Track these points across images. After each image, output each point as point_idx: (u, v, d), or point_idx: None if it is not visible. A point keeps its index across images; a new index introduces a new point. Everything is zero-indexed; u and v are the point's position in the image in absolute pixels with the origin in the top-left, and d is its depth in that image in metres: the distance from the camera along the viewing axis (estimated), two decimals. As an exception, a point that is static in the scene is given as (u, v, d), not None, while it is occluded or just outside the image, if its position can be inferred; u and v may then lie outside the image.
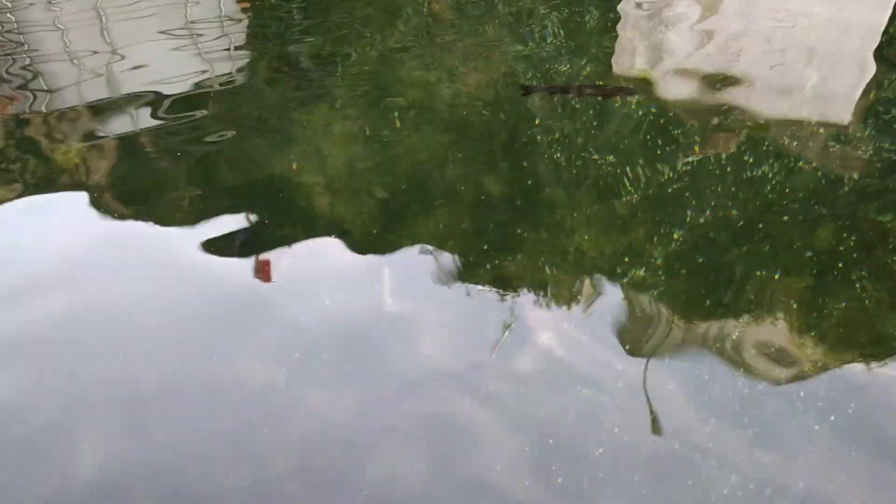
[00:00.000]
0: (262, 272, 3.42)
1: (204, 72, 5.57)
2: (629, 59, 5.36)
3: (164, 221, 3.83)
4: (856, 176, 3.80)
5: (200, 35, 6.42)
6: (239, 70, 5.64)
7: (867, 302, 3.06)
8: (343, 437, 2.60)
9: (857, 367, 2.83)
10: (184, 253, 3.57)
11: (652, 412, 2.66)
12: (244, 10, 7.23)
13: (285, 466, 2.51)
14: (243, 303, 3.22)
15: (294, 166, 4.19)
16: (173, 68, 5.68)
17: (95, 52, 6.23)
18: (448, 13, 6.60)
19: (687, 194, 3.70)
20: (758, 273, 3.20)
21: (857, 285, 3.13)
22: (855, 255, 3.27)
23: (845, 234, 3.39)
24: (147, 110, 5.00)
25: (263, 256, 3.50)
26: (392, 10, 6.65)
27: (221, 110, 4.95)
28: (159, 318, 3.15)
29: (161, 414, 2.72)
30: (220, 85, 5.34)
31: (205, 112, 4.93)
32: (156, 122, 4.80)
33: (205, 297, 3.26)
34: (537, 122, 4.43)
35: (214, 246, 3.60)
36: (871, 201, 3.63)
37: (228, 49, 6.12)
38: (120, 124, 4.87)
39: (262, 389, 2.79)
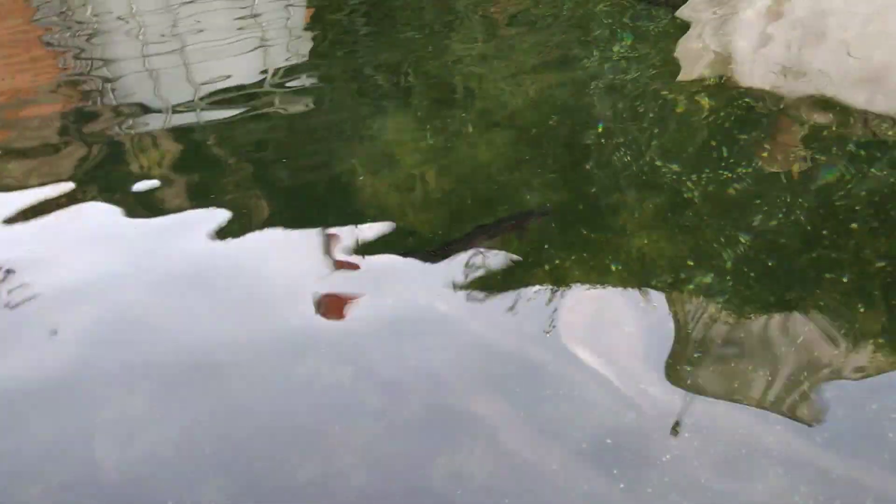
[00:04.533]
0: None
1: (267, 76, 5.76)
2: (695, 61, 5.29)
3: (237, 222, 4.00)
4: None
5: (270, 45, 6.64)
6: (306, 76, 5.82)
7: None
8: (408, 431, 2.68)
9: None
10: (249, 252, 3.73)
11: (718, 416, 2.65)
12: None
13: (352, 459, 2.60)
14: (311, 302, 3.35)
15: (359, 170, 4.31)
16: (243, 75, 5.91)
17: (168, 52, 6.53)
18: (510, 21, 6.64)
19: (755, 198, 3.64)
20: (826, 282, 3.14)
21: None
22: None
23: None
24: (216, 114, 5.23)
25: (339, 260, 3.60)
26: (453, 18, 6.73)
27: (287, 116, 5.12)
28: (231, 318, 3.31)
29: (235, 409, 2.85)
30: (286, 90, 5.52)
31: (271, 118, 5.11)
32: (224, 126, 5.01)
33: (274, 296, 3.40)
34: (600, 127, 4.43)
35: (280, 245, 3.76)
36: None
37: (296, 54, 6.31)
38: (189, 126, 5.11)
39: (331, 387, 2.89)
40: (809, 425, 2.58)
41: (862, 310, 2.98)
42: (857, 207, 3.51)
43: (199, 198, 4.28)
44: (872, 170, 3.79)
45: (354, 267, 3.53)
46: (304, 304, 3.32)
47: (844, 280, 3.11)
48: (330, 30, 7.09)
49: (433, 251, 3.53)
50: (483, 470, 2.53)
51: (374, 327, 3.17)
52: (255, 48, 6.56)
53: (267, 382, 2.95)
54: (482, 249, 3.50)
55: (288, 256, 3.70)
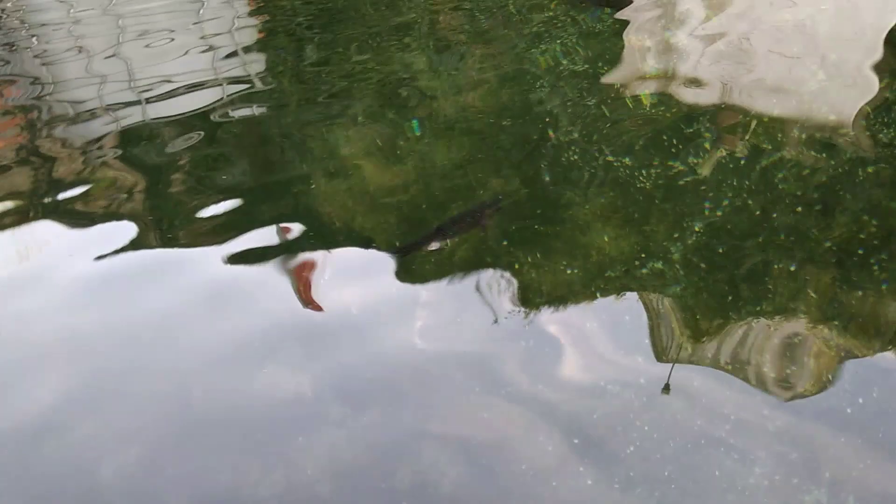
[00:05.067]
0: (304, 286, 3.48)
1: (218, 89, 5.67)
2: (639, 60, 5.38)
3: (189, 241, 3.92)
4: (870, 167, 3.79)
5: (215, 52, 6.53)
6: (253, 87, 5.73)
7: (888, 285, 3.06)
8: (373, 441, 2.66)
9: (881, 353, 2.83)
10: (209, 270, 3.66)
11: (677, 408, 2.68)
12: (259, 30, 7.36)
13: (315, 471, 2.56)
14: (270, 316, 3.29)
15: (312, 178, 4.26)
16: (189, 89, 5.79)
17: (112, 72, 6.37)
18: (458, 23, 6.66)
19: (703, 190, 3.71)
20: (776, 266, 3.21)
21: (877, 269, 3.13)
22: (876, 243, 3.26)
23: (863, 222, 3.39)
24: (165, 130, 5.12)
25: (303, 271, 3.56)
26: (402, 24, 6.73)
27: (238, 128, 5.04)
28: (191, 334, 3.24)
29: (192, 428, 2.79)
30: (237, 102, 5.43)
31: (221, 131, 5.03)
32: (174, 143, 4.91)
33: (229, 312, 3.34)
34: (553, 124, 4.47)
35: (238, 262, 3.69)
36: (885, 188, 3.62)
37: (244, 68, 6.23)
38: (139, 143, 4.99)
39: (291, 399, 2.85)
40: (763, 412, 2.63)
41: (813, 294, 3.06)
42: (799, 192, 3.61)
43: (143, 211, 4.18)
44: (811, 153, 3.90)
45: (308, 282, 3.49)
46: (263, 315, 3.28)
47: (792, 269, 3.19)
48: (279, 35, 7.01)
49: (393, 253, 3.52)
50: (446, 474, 2.51)
51: (335, 334, 3.13)
52: (204, 53, 6.45)
53: (227, 395, 2.90)
54: (439, 250, 3.50)
55: (243, 268, 3.64)
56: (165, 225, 4.07)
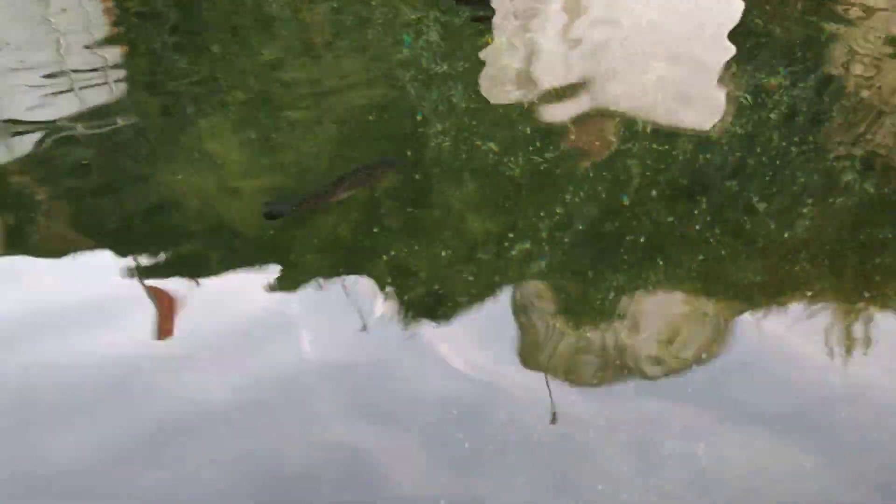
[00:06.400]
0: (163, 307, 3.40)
1: (77, 101, 5.41)
2: (503, 60, 5.61)
3: (53, 253, 3.78)
4: (709, 155, 4.16)
5: (71, 64, 6.20)
6: (116, 95, 5.50)
7: (722, 252, 3.45)
8: (226, 421, 2.74)
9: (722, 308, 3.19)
10: (75, 283, 3.56)
11: (543, 376, 2.91)
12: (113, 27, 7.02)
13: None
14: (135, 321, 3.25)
15: (182, 181, 4.18)
16: (40, 98, 5.48)
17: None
18: (323, 21, 6.66)
19: (564, 178, 3.96)
20: (629, 240, 3.52)
21: (711, 240, 3.51)
22: (709, 219, 3.64)
23: (697, 201, 3.75)
24: (23, 141, 4.84)
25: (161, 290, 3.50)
26: (265, 21, 6.65)
27: (102, 139, 4.82)
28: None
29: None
30: (98, 113, 5.20)
31: (86, 144, 4.80)
32: (34, 155, 4.65)
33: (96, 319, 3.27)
34: (421, 120, 4.60)
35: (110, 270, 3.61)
36: (719, 169, 4.02)
37: (105, 77, 5.97)
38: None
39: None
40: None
41: (661, 262, 3.39)
42: (647, 177, 3.94)
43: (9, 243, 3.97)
44: (656, 144, 4.25)
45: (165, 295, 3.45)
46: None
47: (642, 240, 3.50)
48: (133, 35, 6.72)
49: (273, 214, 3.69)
50: (334, 454, 2.60)
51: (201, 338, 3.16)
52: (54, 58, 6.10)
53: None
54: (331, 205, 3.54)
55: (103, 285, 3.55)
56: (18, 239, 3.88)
